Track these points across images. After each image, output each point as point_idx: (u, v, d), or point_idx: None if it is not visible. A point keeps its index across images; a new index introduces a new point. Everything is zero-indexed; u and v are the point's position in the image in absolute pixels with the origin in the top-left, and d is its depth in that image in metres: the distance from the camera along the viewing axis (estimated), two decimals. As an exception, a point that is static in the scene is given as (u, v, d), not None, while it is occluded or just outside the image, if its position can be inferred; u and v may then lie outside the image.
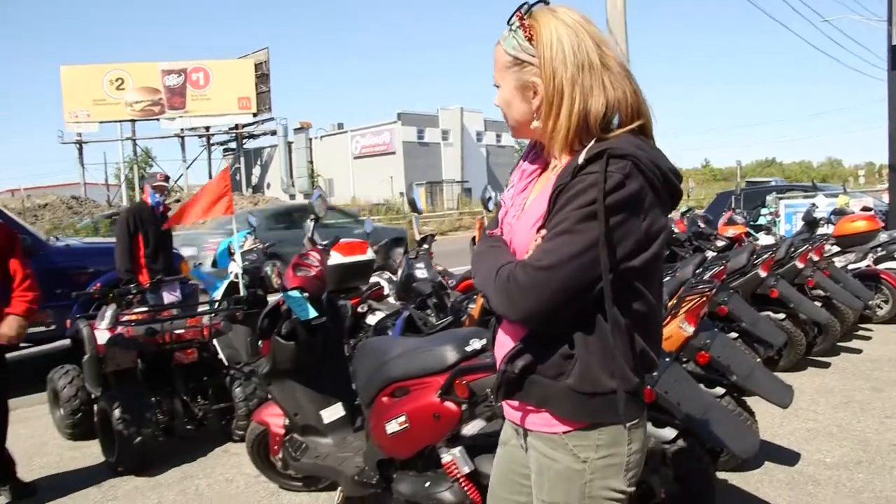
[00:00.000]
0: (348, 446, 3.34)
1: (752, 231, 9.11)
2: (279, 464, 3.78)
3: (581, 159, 1.47)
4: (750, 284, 5.76)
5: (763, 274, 5.74)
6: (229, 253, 6.54)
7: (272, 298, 5.66)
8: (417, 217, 4.81)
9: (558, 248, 1.45)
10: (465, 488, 2.56)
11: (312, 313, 3.10)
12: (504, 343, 1.66)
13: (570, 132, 1.52)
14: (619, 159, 1.44)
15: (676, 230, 6.93)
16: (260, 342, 4.65)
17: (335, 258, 5.05)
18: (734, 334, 4.97)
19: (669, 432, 3.00)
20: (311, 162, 48.28)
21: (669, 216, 1.65)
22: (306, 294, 3.13)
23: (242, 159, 46.35)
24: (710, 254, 6.67)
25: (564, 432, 1.58)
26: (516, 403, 1.65)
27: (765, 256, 5.87)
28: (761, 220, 10.41)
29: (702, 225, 7.63)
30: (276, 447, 3.65)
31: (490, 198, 4.93)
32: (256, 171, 50.89)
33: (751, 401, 3.80)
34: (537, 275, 1.46)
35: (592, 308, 1.50)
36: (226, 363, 5.09)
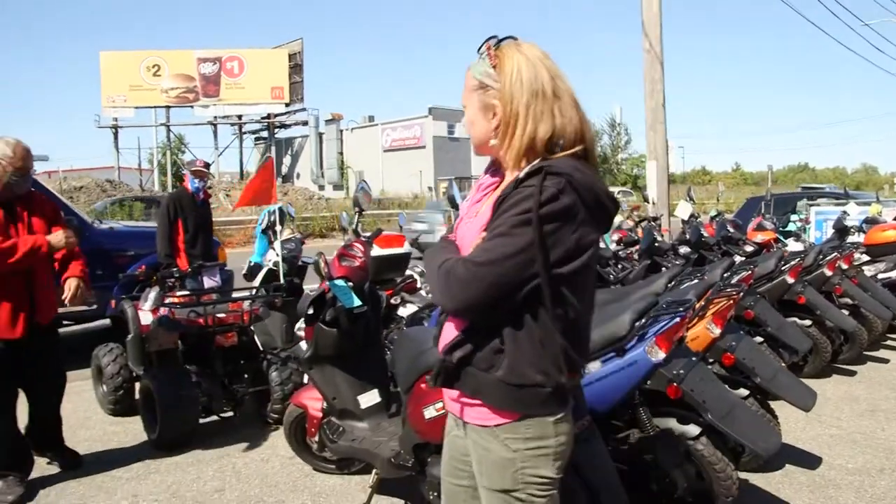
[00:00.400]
0: (383, 431, 3.49)
1: (781, 237, 9.13)
2: (315, 446, 3.96)
3: (522, 174, 1.68)
4: (777, 290, 5.81)
5: (790, 280, 5.79)
6: (263, 233, 6.75)
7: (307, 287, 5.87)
8: (455, 213, 4.98)
9: (495, 247, 1.64)
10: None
11: (357, 302, 3.25)
12: (447, 336, 1.84)
13: (521, 151, 1.72)
14: (555, 176, 1.63)
15: (705, 234, 7.00)
16: (302, 328, 4.86)
17: (374, 250, 5.21)
18: (760, 338, 5.04)
19: (693, 429, 3.10)
20: (342, 153, 48.70)
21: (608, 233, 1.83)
22: (350, 283, 3.28)
23: (273, 148, 46.77)
24: (738, 258, 6.73)
25: (496, 425, 1.76)
26: (455, 395, 1.83)
27: (793, 262, 5.92)
28: (791, 227, 10.40)
29: (731, 229, 7.68)
30: (312, 429, 3.81)
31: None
32: (287, 160, 51.36)
33: (774, 404, 3.89)
34: (475, 269, 1.64)
35: (522, 308, 1.69)
36: (261, 348, 5.26)
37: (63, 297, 3.94)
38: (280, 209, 6.17)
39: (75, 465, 4.29)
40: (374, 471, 3.47)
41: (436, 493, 3.02)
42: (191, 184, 6.67)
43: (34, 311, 3.90)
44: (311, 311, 3.51)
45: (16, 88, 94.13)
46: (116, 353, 5.31)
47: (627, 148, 56.97)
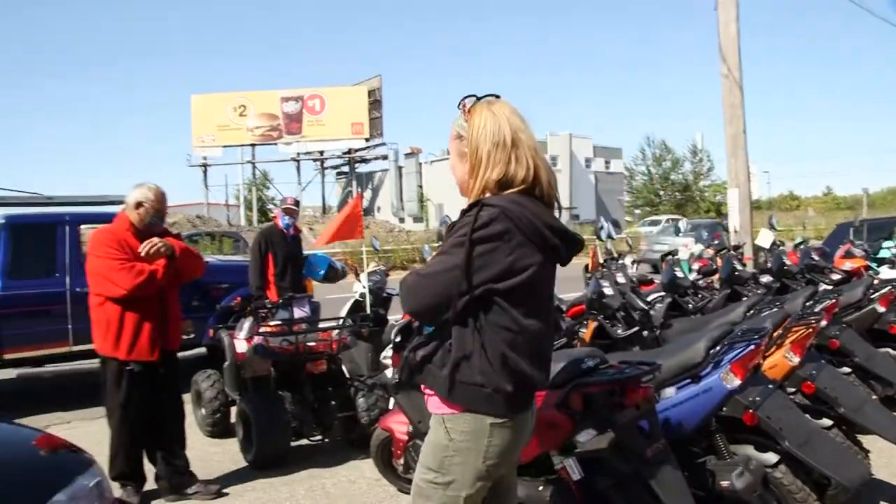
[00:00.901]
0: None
1: (872, 265, 8.85)
2: (400, 468, 4.14)
3: (466, 206, 2.04)
4: (866, 319, 5.64)
5: (881, 309, 5.58)
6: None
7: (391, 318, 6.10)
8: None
9: (435, 264, 2.04)
10: (575, 494, 2.81)
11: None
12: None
13: (479, 191, 2.07)
14: (490, 207, 1.98)
15: (788, 262, 6.91)
16: (388, 356, 5.07)
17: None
18: (847, 369, 4.93)
19: (771, 457, 3.13)
20: (421, 186, 49.39)
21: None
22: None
23: (354, 183, 47.86)
24: (823, 287, 6.61)
25: (443, 414, 2.08)
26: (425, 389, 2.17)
27: (884, 290, 5.72)
28: (884, 253, 10.05)
29: (816, 257, 7.54)
30: (398, 451, 4.00)
31: (602, 227, 5.23)
32: (367, 194, 52.41)
33: (867, 440, 3.81)
34: (419, 280, 2.06)
35: (467, 316, 2.01)
36: (348, 376, 5.50)
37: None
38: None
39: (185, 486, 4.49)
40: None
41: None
42: (281, 220, 7.00)
43: (166, 337, 4.29)
44: (398, 339, 3.70)
45: (113, 132, 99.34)
46: (214, 378, 5.65)
47: (710, 175, 55.85)
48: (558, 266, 2.19)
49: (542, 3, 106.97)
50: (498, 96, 2.18)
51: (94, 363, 7.86)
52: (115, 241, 4.18)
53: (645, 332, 4.96)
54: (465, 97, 2.15)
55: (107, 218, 8.09)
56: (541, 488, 2.92)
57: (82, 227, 7.35)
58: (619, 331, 4.80)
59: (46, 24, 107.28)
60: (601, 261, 5.08)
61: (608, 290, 4.85)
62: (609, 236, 5.30)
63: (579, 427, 2.76)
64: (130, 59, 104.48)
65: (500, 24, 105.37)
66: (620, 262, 5.42)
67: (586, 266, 5.43)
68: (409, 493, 4.21)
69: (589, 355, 2.91)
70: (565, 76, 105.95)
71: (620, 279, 5.06)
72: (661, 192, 56.82)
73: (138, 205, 4.28)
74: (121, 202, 8.29)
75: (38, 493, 2.16)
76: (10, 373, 7.50)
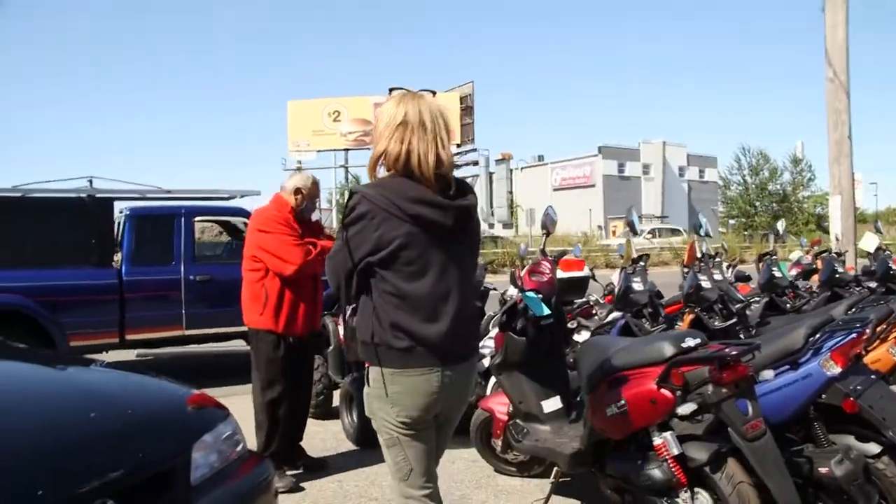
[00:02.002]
0: (564, 434, 3.79)
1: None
2: (498, 447, 4.31)
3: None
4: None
5: None
6: None
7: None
8: (634, 237, 5.32)
9: (333, 248, 2.40)
10: (673, 469, 2.91)
11: (546, 311, 3.62)
12: None
13: (370, 166, 2.40)
14: (355, 195, 2.29)
15: (894, 267, 6.70)
16: (484, 345, 5.27)
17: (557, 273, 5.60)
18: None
19: (873, 447, 3.11)
20: (511, 192, 49.45)
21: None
22: (540, 296, 3.65)
23: (445, 188, 48.29)
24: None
25: (367, 367, 2.44)
26: None
27: None
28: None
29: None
30: (498, 431, 4.18)
31: (701, 224, 5.30)
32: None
33: None
34: (327, 262, 2.42)
35: (362, 288, 2.34)
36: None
37: None
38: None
39: (320, 467, 4.76)
40: (555, 469, 3.77)
41: (613, 488, 3.29)
42: None
43: (314, 315, 4.58)
44: (504, 320, 3.90)
45: (215, 138, 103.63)
46: (318, 362, 5.94)
47: (810, 185, 53.88)
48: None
49: (633, 9, 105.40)
50: (434, 92, 2.47)
51: (204, 348, 8.41)
52: (283, 220, 4.38)
53: (740, 331, 4.98)
54: (392, 88, 2.45)
55: (218, 211, 8.69)
56: (639, 463, 3.04)
57: (196, 218, 7.86)
58: (716, 322, 4.85)
59: (165, 33, 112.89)
60: (698, 255, 5.13)
61: (705, 283, 4.90)
62: (707, 233, 5.35)
63: (678, 403, 2.87)
64: (230, 67, 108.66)
65: (593, 29, 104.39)
66: (717, 259, 5.46)
67: (683, 260, 5.50)
68: (506, 474, 4.43)
69: (690, 335, 3.02)
70: (660, 82, 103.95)
71: (717, 276, 5.10)
72: (757, 203, 55.21)
73: (297, 191, 4.47)
74: (231, 197, 8.84)
75: (190, 432, 2.45)
76: (130, 354, 8.02)
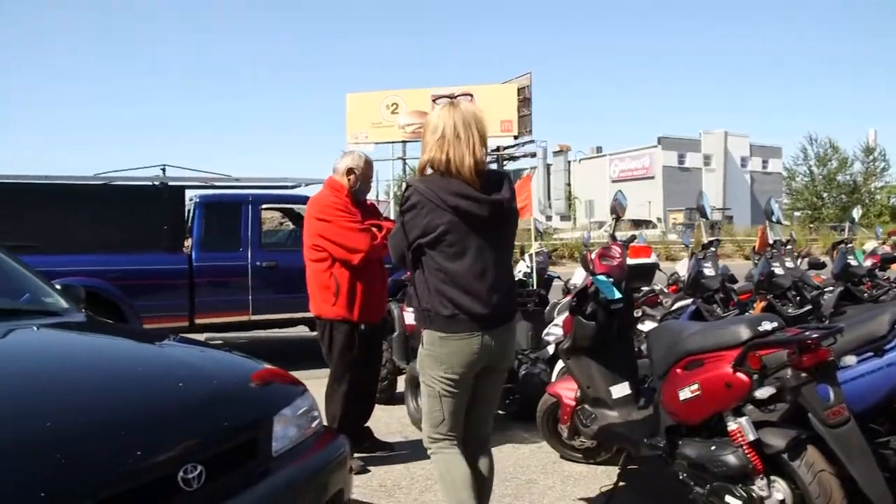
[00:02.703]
0: (633, 421, 3.77)
1: None
2: (565, 433, 4.30)
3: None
4: None
5: None
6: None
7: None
8: (706, 222, 5.25)
9: (393, 230, 2.90)
10: (748, 455, 2.86)
11: (617, 294, 3.60)
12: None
13: (419, 168, 2.86)
14: (409, 187, 2.74)
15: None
16: (549, 333, 5.27)
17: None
18: None
19: None
20: (569, 184, 49.07)
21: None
22: (611, 279, 3.63)
23: (504, 180, 48.18)
24: None
25: (422, 330, 2.86)
26: None
27: None
28: None
29: None
30: (565, 416, 4.16)
31: (773, 211, 5.19)
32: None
33: None
34: (389, 240, 2.94)
35: (417, 265, 2.79)
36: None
37: None
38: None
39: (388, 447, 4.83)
40: (623, 455, 3.75)
41: (685, 474, 3.25)
42: None
43: (385, 298, 4.61)
44: (574, 303, 3.89)
45: (274, 128, 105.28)
46: (383, 348, 6.01)
47: (884, 176, 52.02)
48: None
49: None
50: (471, 96, 3.00)
51: (271, 333, 8.59)
52: (342, 205, 4.29)
53: (812, 321, 4.88)
54: (439, 97, 2.92)
55: (284, 199, 8.85)
56: (713, 448, 2.99)
57: (262, 206, 8.02)
58: (790, 310, 4.75)
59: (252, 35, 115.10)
60: (770, 241, 5.03)
61: (778, 270, 4.80)
62: (779, 220, 5.23)
63: (755, 387, 2.83)
64: (292, 59, 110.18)
65: (651, 20, 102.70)
66: (789, 246, 5.34)
67: (754, 247, 5.39)
68: (571, 460, 4.42)
69: (766, 318, 2.97)
70: (722, 71, 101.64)
71: (789, 263, 4.99)
72: (825, 195, 53.60)
73: (349, 171, 4.36)
74: (297, 185, 9.00)
75: (271, 405, 2.52)
76: (199, 337, 8.23)
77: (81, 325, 3.13)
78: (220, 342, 8.57)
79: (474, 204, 2.70)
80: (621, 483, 3.88)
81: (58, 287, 3.42)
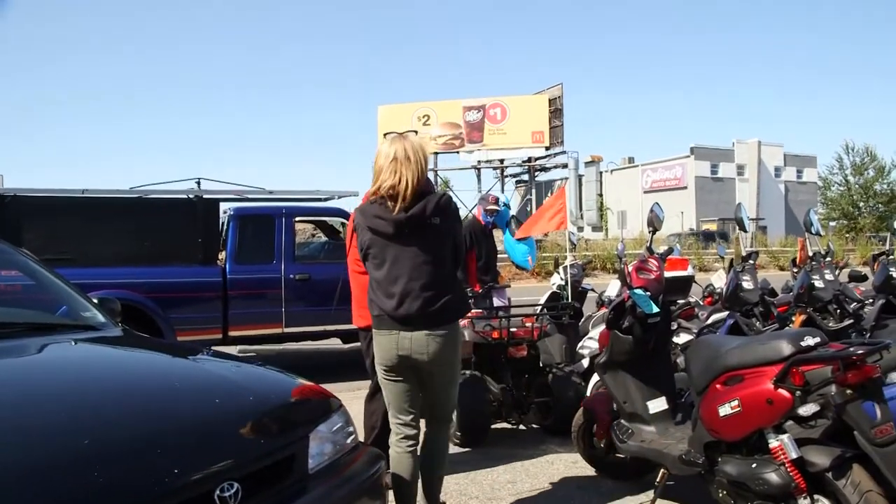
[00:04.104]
0: (670, 436, 3.71)
1: None
2: (600, 448, 4.24)
3: None
4: None
5: None
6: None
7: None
8: (744, 235, 5.17)
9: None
10: (791, 473, 2.79)
11: (655, 308, 3.55)
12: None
13: (370, 193, 3.28)
14: (352, 214, 3.46)
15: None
16: (583, 346, 5.21)
17: (664, 271, 5.50)
18: None
19: None
20: (601, 195, 48.85)
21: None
22: (648, 293, 3.59)
23: (534, 191, 48.00)
24: None
25: None
26: None
27: None
28: None
29: None
30: (601, 431, 4.11)
31: (812, 222, 5.09)
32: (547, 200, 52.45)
33: None
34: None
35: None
36: (541, 364, 5.66)
37: None
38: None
39: None
40: (660, 471, 3.69)
41: (725, 492, 3.18)
42: (483, 217, 7.16)
43: None
44: (611, 317, 3.84)
45: (304, 141, 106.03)
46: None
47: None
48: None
49: (723, 4, 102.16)
50: (416, 132, 3.41)
51: (304, 345, 8.61)
52: None
53: (854, 334, 4.78)
54: (386, 133, 3.38)
55: (317, 211, 8.90)
56: (754, 466, 2.93)
57: (296, 219, 8.07)
58: (831, 324, 4.65)
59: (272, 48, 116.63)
60: (810, 254, 4.94)
61: (818, 283, 4.71)
62: (818, 232, 5.13)
63: (798, 404, 2.77)
64: (323, 74, 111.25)
65: (683, 28, 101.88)
66: (828, 258, 5.24)
67: (794, 259, 5.30)
68: (608, 476, 4.35)
69: (809, 333, 2.90)
70: (755, 80, 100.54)
71: (829, 275, 4.90)
72: (861, 204, 52.66)
73: None
74: (330, 198, 9.04)
75: (307, 422, 2.51)
76: (232, 349, 8.29)
77: (118, 339, 3.15)
78: (252, 354, 8.66)
79: (382, 222, 3.18)
80: (659, 500, 3.82)
81: (94, 301, 3.45)
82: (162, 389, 2.46)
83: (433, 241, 3.24)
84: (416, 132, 3.39)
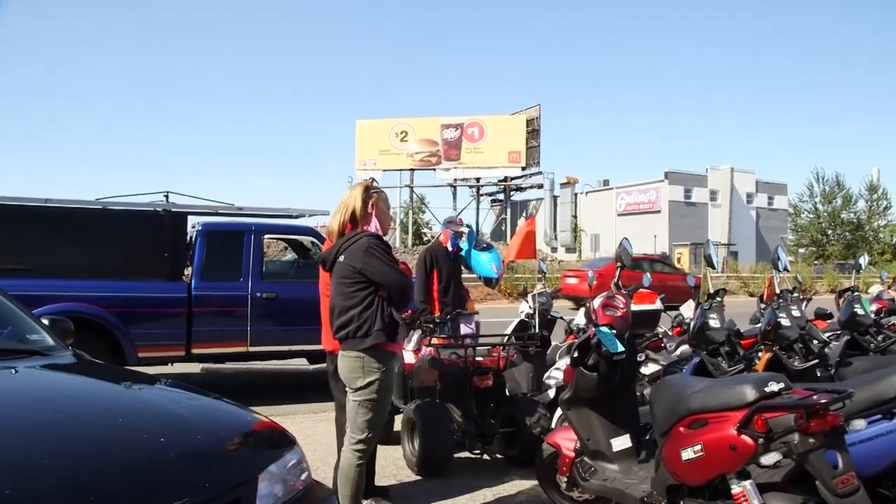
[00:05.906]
0: (633, 475, 3.66)
1: None
2: (563, 484, 4.18)
3: None
4: None
5: None
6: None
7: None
8: (712, 271, 5.15)
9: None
10: (753, 521, 2.76)
11: (620, 347, 3.50)
12: None
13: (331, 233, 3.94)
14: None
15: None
16: (550, 376, 5.16)
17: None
18: None
19: None
20: (576, 217, 49.13)
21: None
22: (614, 331, 3.54)
23: (509, 210, 48.19)
24: None
25: None
26: None
27: None
28: None
29: None
30: (564, 468, 4.05)
31: (779, 258, 5.10)
32: (521, 222, 52.61)
33: None
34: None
35: None
36: (507, 393, 5.59)
37: None
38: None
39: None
40: (621, 512, 3.63)
41: (687, 536, 3.13)
42: (451, 240, 7.07)
43: None
44: (576, 355, 3.79)
45: (286, 157, 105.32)
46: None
47: (887, 214, 51.99)
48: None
49: (698, 33, 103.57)
50: (374, 179, 4.04)
51: (267, 364, 8.47)
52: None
53: (819, 371, 4.78)
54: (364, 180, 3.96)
55: (287, 229, 8.80)
56: (715, 512, 2.90)
57: (265, 236, 7.95)
58: (796, 363, 4.64)
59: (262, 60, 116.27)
60: (777, 291, 4.94)
61: (785, 322, 4.71)
62: (785, 268, 5.14)
63: (760, 452, 2.73)
64: (304, 86, 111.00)
65: (659, 54, 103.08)
66: (794, 294, 5.25)
67: (761, 296, 5.30)
68: (570, 511, 4.28)
69: (773, 379, 2.87)
70: (728, 107, 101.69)
71: (795, 312, 4.90)
72: (829, 232, 53.51)
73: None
74: (301, 215, 8.94)
75: (257, 462, 2.42)
76: (195, 367, 8.13)
77: (66, 367, 3.02)
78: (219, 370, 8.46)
79: (326, 261, 3.84)
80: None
81: (45, 322, 3.33)
82: (104, 428, 2.34)
83: (339, 275, 3.72)
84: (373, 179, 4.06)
